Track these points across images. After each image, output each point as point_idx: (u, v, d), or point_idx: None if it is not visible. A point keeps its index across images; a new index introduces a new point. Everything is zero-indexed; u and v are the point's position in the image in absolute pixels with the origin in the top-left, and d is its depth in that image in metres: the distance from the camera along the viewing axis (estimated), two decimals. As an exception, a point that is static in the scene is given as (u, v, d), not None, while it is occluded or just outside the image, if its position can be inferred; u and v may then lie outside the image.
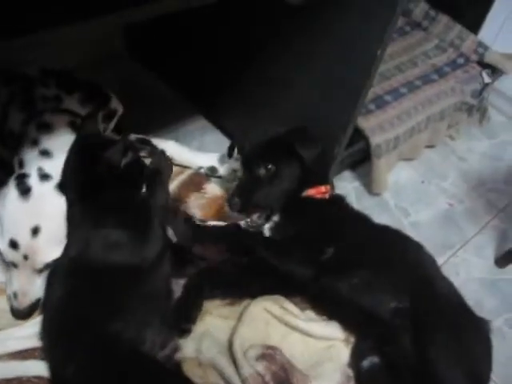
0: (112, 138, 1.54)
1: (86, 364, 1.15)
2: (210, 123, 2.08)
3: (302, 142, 1.52)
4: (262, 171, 1.53)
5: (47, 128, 1.38)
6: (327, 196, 1.59)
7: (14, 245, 1.27)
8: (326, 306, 1.49)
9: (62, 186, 1.32)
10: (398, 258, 1.46)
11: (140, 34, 2.24)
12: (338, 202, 1.61)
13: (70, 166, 1.33)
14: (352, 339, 1.45)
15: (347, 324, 1.46)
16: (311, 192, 1.58)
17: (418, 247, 1.51)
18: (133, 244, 1.29)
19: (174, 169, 1.81)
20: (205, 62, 1.96)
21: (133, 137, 1.79)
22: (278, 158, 1.54)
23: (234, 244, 1.55)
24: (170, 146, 1.83)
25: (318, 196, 1.58)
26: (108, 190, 1.32)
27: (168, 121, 2.02)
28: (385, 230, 1.56)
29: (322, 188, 1.59)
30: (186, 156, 1.85)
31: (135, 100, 1.76)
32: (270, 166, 1.53)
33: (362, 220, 1.59)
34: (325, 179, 1.62)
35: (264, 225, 1.56)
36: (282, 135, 1.57)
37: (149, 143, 1.80)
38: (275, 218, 1.56)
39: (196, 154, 1.86)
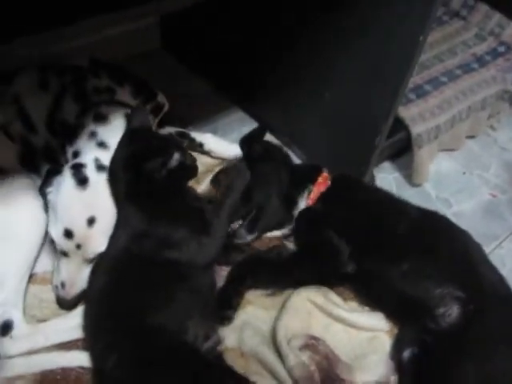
0: (160, 135, 1.54)
1: (128, 355, 1.16)
2: (248, 115, 2.08)
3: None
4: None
5: (104, 120, 1.39)
6: (329, 182, 1.58)
7: (68, 234, 1.28)
8: (370, 293, 1.47)
9: (111, 179, 1.32)
10: (445, 243, 1.44)
11: (176, 28, 2.25)
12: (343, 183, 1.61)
13: (118, 163, 1.33)
14: (396, 330, 1.43)
15: (390, 312, 1.45)
16: (316, 190, 1.57)
17: (465, 234, 1.48)
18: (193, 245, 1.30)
19: (213, 161, 1.85)
20: (241, 53, 1.96)
21: (172, 130, 1.80)
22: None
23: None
24: (208, 139, 1.84)
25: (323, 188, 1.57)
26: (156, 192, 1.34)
27: (206, 113, 2.02)
28: (428, 214, 1.55)
29: (320, 179, 1.58)
30: (224, 148, 1.84)
31: (173, 94, 1.77)
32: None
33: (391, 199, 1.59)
34: (315, 169, 1.61)
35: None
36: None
37: (188, 136, 1.81)
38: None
39: (234, 146, 1.85)
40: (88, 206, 1.27)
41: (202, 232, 1.31)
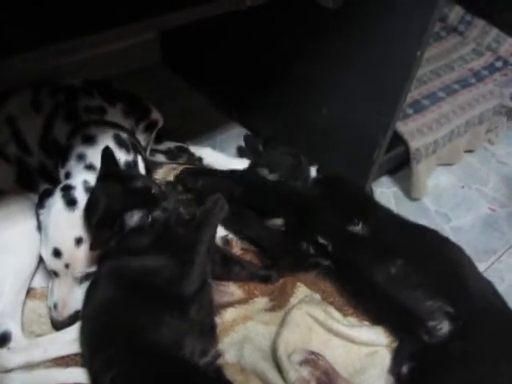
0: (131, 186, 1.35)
1: (125, 371, 1.15)
2: (247, 129, 2.08)
3: None
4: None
5: (92, 141, 1.39)
6: None
7: (57, 253, 1.29)
8: (366, 303, 1.49)
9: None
10: (436, 254, 1.46)
11: (176, 43, 2.26)
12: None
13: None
14: (395, 345, 1.42)
15: (384, 321, 1.45)
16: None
17: (456, 248, 1.49)
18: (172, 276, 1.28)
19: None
20: (240, 68, 1.98)
21: (171, 145, 1.81)
22: None
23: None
24: (206, 153, 1.84)
25: None
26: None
27: (205, 128, 2.04)
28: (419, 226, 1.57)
29: None
30: (223, 162, 1.84)
31: (173, 108, 1.77)
32: None
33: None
34: None
35: None
36: None
37: (187, 151, 1.82)
38: None
39: (232, 160, 1.87)
40: (76, 227, 1.28)
41: (182, 271, 1.29)
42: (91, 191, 1.29)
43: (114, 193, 1.24)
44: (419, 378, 1.30)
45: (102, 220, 1.22)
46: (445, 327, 1.31)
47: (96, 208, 1.24)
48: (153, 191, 1.29)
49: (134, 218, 1.24)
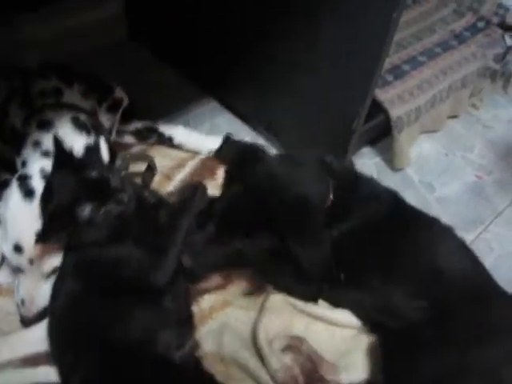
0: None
1: (95, 370, 1.10)
2: (220, 104, 2.01)
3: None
4: None
5: (48, 126, 1.31)
6: None
7: (18, 249, 1.22)
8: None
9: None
10: (408, 245, 1.35)
11: (143, 18, 2.17)
12: None
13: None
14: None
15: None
16: None
17: (432, 224, 1.38)
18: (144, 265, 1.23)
19: (185, 155, 1.78)
20: (211, 41, 1.89)
21: (139, 125, 1.72)
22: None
23: None
24: (178, 132, 1.77)
25: None
26: None
27: (177, 105, 1.95)
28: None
29: None
30: (196, 140, 1.78)
31: (142, 86, 1.71)
32: None
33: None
34: None
35: None
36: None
37: (156, 131, 1.74)
38: None
39: (205, 138, 1.79)
40: (36, 219, 1.20)
41: (156, 257, 1.23)
42: (45, 184, 1.21)
43: (67, 185, 1.17)
44: (391, 365, 1.24)
45: (54, 214, 1.15)
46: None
47: (48, 202, 1.17)
48: (109, 181, 1.22)
49: (85, 211, 1.17)
